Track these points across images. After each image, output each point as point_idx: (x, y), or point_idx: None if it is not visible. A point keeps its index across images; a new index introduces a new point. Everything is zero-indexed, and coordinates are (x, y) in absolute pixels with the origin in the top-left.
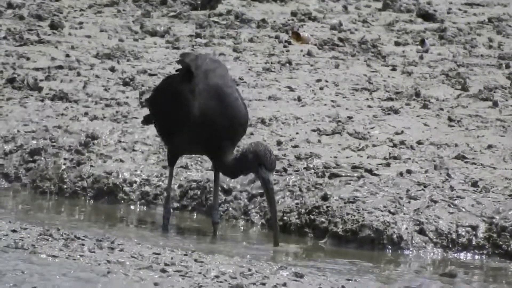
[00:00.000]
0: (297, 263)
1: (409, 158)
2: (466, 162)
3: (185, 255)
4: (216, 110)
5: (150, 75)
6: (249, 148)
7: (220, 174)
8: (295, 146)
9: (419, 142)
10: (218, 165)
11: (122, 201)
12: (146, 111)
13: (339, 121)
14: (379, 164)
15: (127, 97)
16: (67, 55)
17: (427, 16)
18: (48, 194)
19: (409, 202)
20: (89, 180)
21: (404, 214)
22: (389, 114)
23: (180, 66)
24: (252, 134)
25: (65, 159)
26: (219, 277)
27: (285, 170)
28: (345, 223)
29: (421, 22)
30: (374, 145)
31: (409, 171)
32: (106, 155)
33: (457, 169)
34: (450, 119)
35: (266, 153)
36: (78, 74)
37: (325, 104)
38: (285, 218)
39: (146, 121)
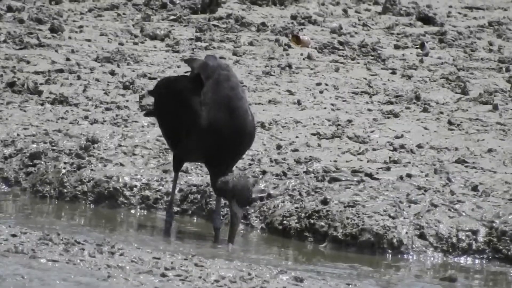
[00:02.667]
0: (297, 267)
1: (409, 162)
2: (466, 166)
3: (185, 259)
4: (224, 122)
5: (150, 78)
6: (232, 180)
7: None
8: (295, 150)
9: (419, 146)
10: (211, 175)
11: (123, 206)
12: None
13: (339, 125)
14: (379, 168)
15: (127, 101)
16: (67, 59)
17: (427, 20)
18: (48, 198)
19: (409, 206)
20: (89, 184)
21: (404, 218)
22: (389, 117)
23: (189, 68)
24: None
25: (65, 163)
26: (219, 282)
27: (284, 174)
28: (345, 227)
29: (420, 25)
30: (374, 149)
31: (409, 175)
32: (107, 159)
33: (457, 173)
34: (450, 123)
35: (244, 190)
36: (78, 77)
37: (325, 108)
38: (284, 222)
39: (149, 114)
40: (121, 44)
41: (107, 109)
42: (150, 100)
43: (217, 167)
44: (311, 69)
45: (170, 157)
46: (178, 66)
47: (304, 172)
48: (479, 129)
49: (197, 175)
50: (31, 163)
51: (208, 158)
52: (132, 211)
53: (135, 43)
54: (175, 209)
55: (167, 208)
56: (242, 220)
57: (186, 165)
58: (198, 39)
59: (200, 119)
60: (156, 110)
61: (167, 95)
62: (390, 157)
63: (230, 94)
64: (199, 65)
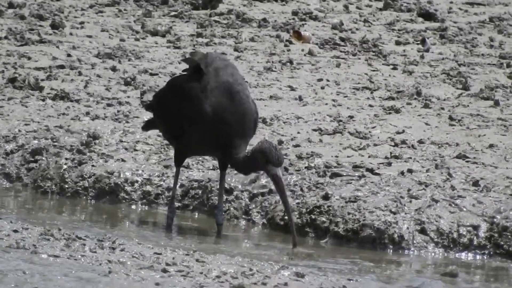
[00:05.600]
0: (298, 263)
1: (410, 158)
2: (467, 162)
3: (186, 255)
4: (227, 107)
5: (151, 74)
6: (256, 147)
7: (225, 174)
8: (296, 146)
9: (420, 142)
10: (231, 162)
11: (124, 201)
12: (147, 111)
13: (340, 121)
14: (380, 164)
15: (129, 97)
16: (69, 55)
17: (428, 16)
18: (49, 194)
19: (410, 201)
20: (90, 179)
21: (405, 213)
22: (390, 113)
23: (187, 66)
24: None
25: (66, 158)
26: (221, 277)
27: (286, 169)
28: (346, 222)
29: (422, 21)
30: (375, 145)
31: (410, 171)
32: (108, 154)
33: (458, 168)
34: (451, 118)
35: (271, 149)
36: (80, 73)
37: (326, 104)
38: (286, 218)
39: (147, 126)
40: (122, 40)
41: (108, 105)
42: (151, 96)
43: (227, 152)
44: (312, 65)
45: (171, 152)
46: (179, 62)
47: (305, 167)
48: (480, 124)
49: (198, 170)
50: (33, 159)
51: (215, 144)
52: (133, 207)
53: (136, 39)
54: (176, 204)
55: (169, 204)
56: (243, 216)
57: (187, 160)
58: (199, 35)
59: (204, 105)
60: (157, 109)
61: (168, 91)
62: (391, 153)
63: (230, 80)
64: (199, 57)
